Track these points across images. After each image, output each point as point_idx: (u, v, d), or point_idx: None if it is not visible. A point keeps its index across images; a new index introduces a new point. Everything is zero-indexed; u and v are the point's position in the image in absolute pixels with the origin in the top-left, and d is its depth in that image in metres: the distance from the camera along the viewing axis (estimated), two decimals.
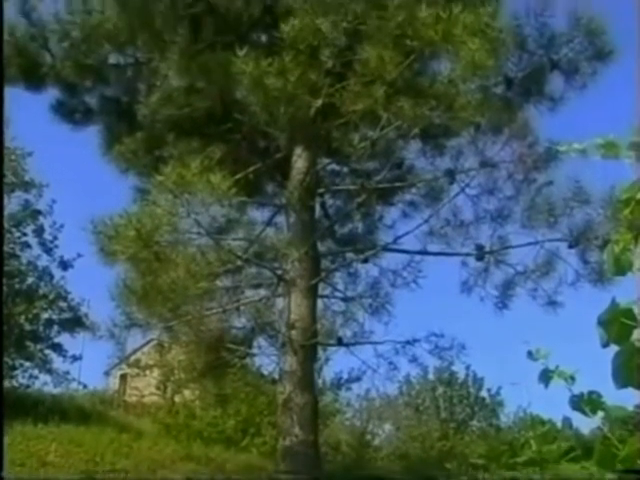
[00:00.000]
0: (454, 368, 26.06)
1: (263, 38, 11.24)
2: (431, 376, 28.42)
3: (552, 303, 10.92)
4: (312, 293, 10.48)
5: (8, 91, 10.92)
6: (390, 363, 11.36)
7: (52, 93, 12.24)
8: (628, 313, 1.71)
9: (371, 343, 11.33)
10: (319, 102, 9.30)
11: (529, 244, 10.63)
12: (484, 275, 11.16)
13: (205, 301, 10.31)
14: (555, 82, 11.14)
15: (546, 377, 2.28)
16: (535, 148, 10.56)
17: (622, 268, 1.74)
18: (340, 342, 11.20)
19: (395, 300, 11.76)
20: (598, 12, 10.74)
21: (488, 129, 10.60)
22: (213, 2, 10.34)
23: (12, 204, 17.57)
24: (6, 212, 16.41)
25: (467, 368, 27.78)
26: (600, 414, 2.17)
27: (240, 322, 11.27)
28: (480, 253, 10.87)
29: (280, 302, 10.84)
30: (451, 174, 10.71)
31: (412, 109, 8.96)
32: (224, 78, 9.53)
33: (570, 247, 10.46)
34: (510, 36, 10.07)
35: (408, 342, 11.25)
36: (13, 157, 17.31)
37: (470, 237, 11.05)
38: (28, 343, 17.44)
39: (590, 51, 10.72)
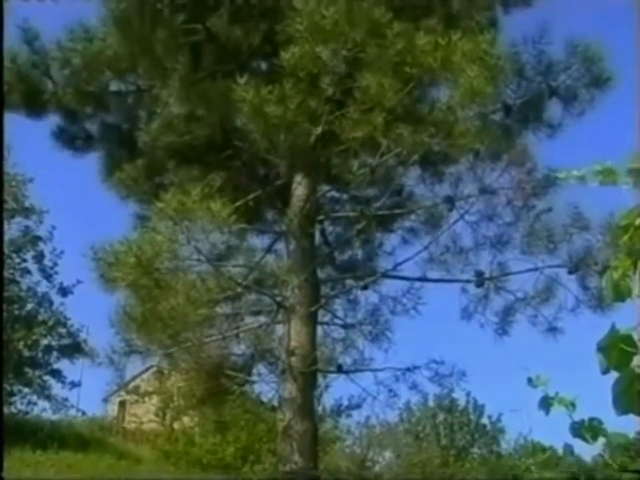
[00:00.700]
0: (454, 395, 26.00)
1: (263, 66, 11.31)
2: (431, 403, 28.37)
3: (552, 329, 10.91)
4: (312, 320, 10.46)
5: (10, 118, 11.03)
6: (390, 390, 11.33)
7: (53, 120, 12.31)
8: (628, 339, 1.71)
9: (371, 370, 11.30)
10: (319, 129, 9.33)
11: (529, 270, 10.64)
12: (484, 302, 11.15)
13: (205, 328, 10.29)
14: (553, 109, 11.19)
15: (546, 404, 2.28)
16: (534, 175, 10.59)
17: (621, 294, 1.74)
18: (340, 369, 11.16)
19: (395, 327, 11.76)
20: (595, 39, 10.83)
21: (487, 156, 10.64)
22: (213, 31, 10.42)
23: (12, 230, 17.66)
24: (6, 238, 16.46)
25: (468, 395, 27.77)
26: (601, 441, 2.16)
27: (240, 349, 11.25)
28: (480, 279, 10.87)
29: (280, 329, 10.82)
30: (450, 201, 10.73)
31: (411, 136, 8.99)
32: (224, 106, 9.57)
33: (570, 273, 10.46)
34: (508, 63, 10.12)
35: (408, 369, 11.22)
36: (14, 183, 17.40)
37: (470, 263, 11.06)
38: (27, 369, 17.42)
39: (587, 78, 10.77)
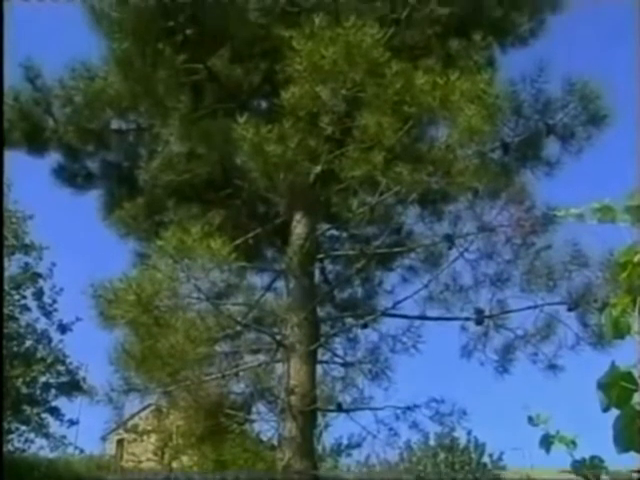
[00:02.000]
0: (455, 434, 25.81)
1: (263, 105, 11.40)
2: (432, 442, 28.12)
3: (552, 367, 10.86)
4: (311, 358, 10.41)
5: (11, 155, 11.11)
6: (390, 429, 11.24)
7: (54, 157, 12.41)
8: (628, 377, 1.71)
9: (371, 409, 11.23)
10: (318, 168, 9.37)
11: (528, 308, 10.62)
12: (484, 339, 11.12)
13: (204, 366, 10.24)
14: (551, 147, 11.26)
15: (547, 442, 2.28)
16: (533, 212, 10.62)
17: (621, 331, 1.75)
18: (340, 408, 11.09)
19: (395, 365, 11.71)
20: (592, 77, 10.93)
21: (486, 194, 10.67)
22: (214, 70, 10.51)
23: (12, 266, 17.65)
24: (6, 274, 16.46)
25: (469, 433, 27.55)
26: (604, 478, 2.15)
27: (239, 387, 11.19)
28: (479, 317, 10.85)
29: (279, 367, 10.76)
30: (450, 239, 10.74)
31: (410, 175, 9.01)
32: (224, 144, 9.62)
33: (569, 310, 10.44)
34: (506, 102, 10.19)
35: (408, 408, 11.15)
36: (14, 220, 17.45)
37: (469, 301, 11.05)
38: (25, 407, 17.31)
39: (585, 116, 10.85)
